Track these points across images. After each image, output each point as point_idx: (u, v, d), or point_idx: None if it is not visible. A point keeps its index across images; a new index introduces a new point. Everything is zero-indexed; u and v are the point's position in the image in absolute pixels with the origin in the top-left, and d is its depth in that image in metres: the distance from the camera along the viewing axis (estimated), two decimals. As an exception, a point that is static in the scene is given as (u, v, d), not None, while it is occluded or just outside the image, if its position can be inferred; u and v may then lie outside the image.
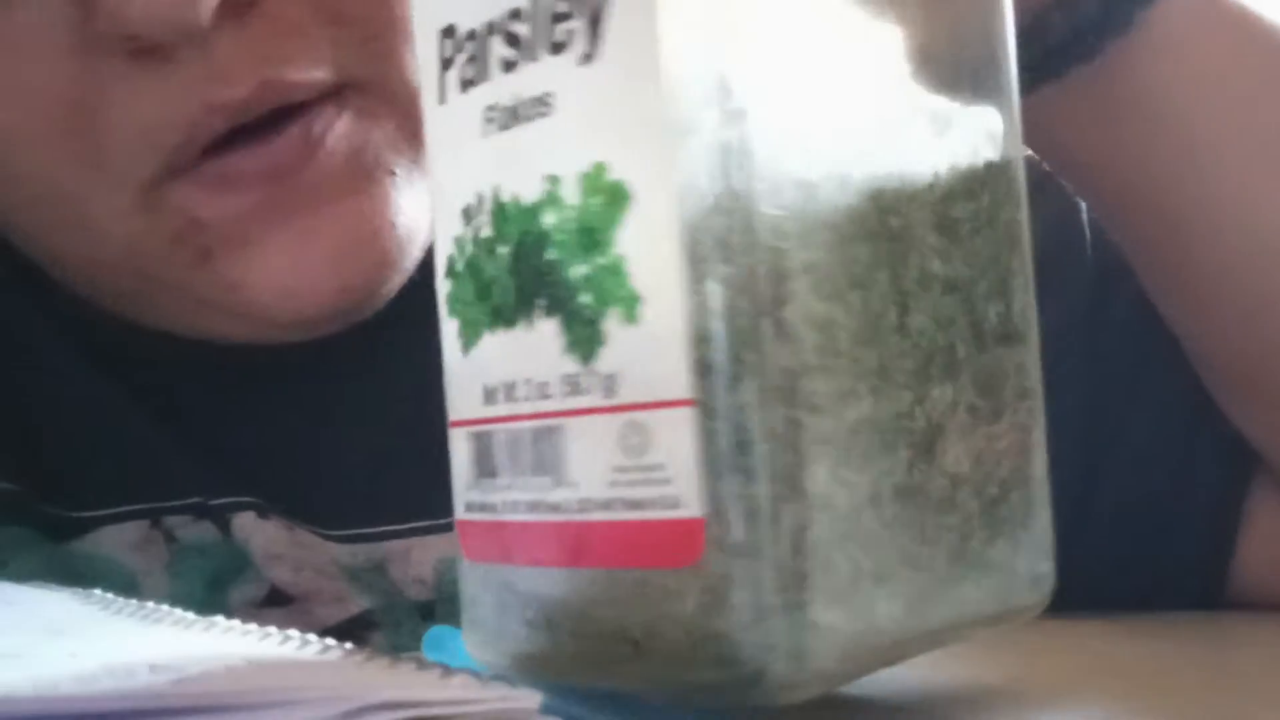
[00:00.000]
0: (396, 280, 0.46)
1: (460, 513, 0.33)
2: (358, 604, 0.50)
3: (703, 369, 0.27)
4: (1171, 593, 0.51)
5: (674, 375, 0.27)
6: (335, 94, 0.44)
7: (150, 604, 0.36)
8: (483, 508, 0.32)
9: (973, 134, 0.30)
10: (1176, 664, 0.40)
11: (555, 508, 0.29)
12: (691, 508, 0.27)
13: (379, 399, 0.52)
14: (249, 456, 0.51)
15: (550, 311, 0.29)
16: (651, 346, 0.27)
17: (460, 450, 0.33)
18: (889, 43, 0.30)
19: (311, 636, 0.32)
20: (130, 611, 0.36)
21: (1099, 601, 0.51)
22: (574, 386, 0.29)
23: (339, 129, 0.44)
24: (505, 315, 0.30)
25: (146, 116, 0.43)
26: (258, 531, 0.49)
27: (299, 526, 0.50)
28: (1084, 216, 0.55)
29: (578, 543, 0.29)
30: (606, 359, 0.28)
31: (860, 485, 0.28)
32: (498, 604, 0.31)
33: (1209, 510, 0.52)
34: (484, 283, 0.31)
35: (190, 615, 0.35)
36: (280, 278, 0.44)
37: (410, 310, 0.51)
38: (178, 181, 0.43)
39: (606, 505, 0.28)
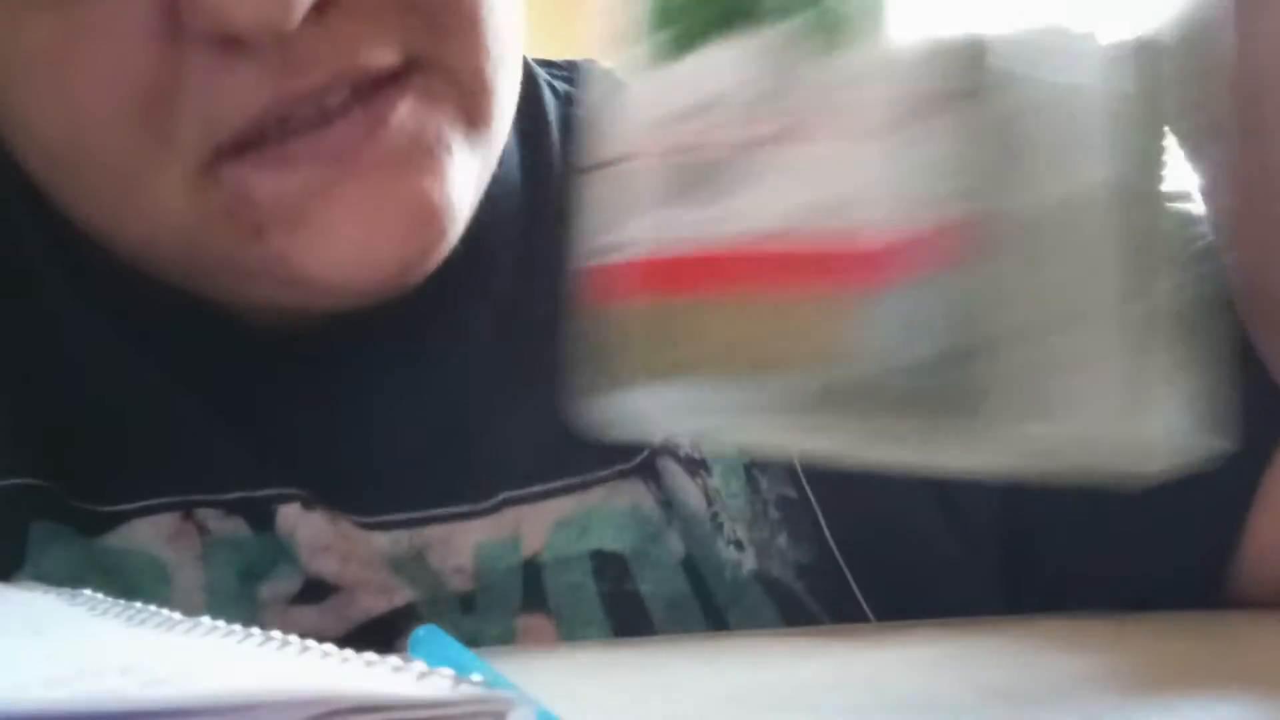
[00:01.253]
0: (442, 255, 0.47)
1: (601, 255, 0.29)
2: (402, 596, 0.50)
3: (953, 95, 0.25)
4: (1177, 584, 0.50)
5: (902, 100, 0.25)
6: (402, 73, 0.45)
7: (137, 605, 0.36)
8: (635, 243, 0.29)
9: None
10: (1177, 664, 0.40)
11: (733, 235, 0.27)
12: (880, 237, 0.25)
13: (420, 385, 0.53)
14: (290, 445, 0.52)
15: (786, 14, 0.26)
16: (890, 66, 0.25)
17: (629, 181, 0.29)
18: None
19: (292, 638, 0.32)
20: (116, 613, 0.36)
21: (1102, 598, 0.50)
22: (788, 104, 0.26)
23: (402, 110, 0.45)
24: (730, 20, 0.27)
25: (219, 101, 0.44)
26: (303, 523, 0.50)
27: (341, 517, 0.50)
28: None
29: (757, 270, 0.27)
30: (833, 76, 0.26)
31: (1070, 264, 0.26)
32: (658, 343, 0.29)
33: (1220, 491, 0.51)
34: None
35: (175, 616, 0.35)
36: (339, 255, 0.45)
37: (448, 296, 0.52)
38: (233, 160, 0.44)
39: (789, 232, 0.26)
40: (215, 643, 0.32)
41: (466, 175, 0.47)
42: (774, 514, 0.50)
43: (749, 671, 0.42)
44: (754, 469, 0.51)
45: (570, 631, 0.49)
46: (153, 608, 0.36)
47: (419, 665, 0.30)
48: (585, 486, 0.51)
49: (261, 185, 0.44)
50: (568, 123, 0.56)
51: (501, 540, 0.50)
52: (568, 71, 0.59)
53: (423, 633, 0.36)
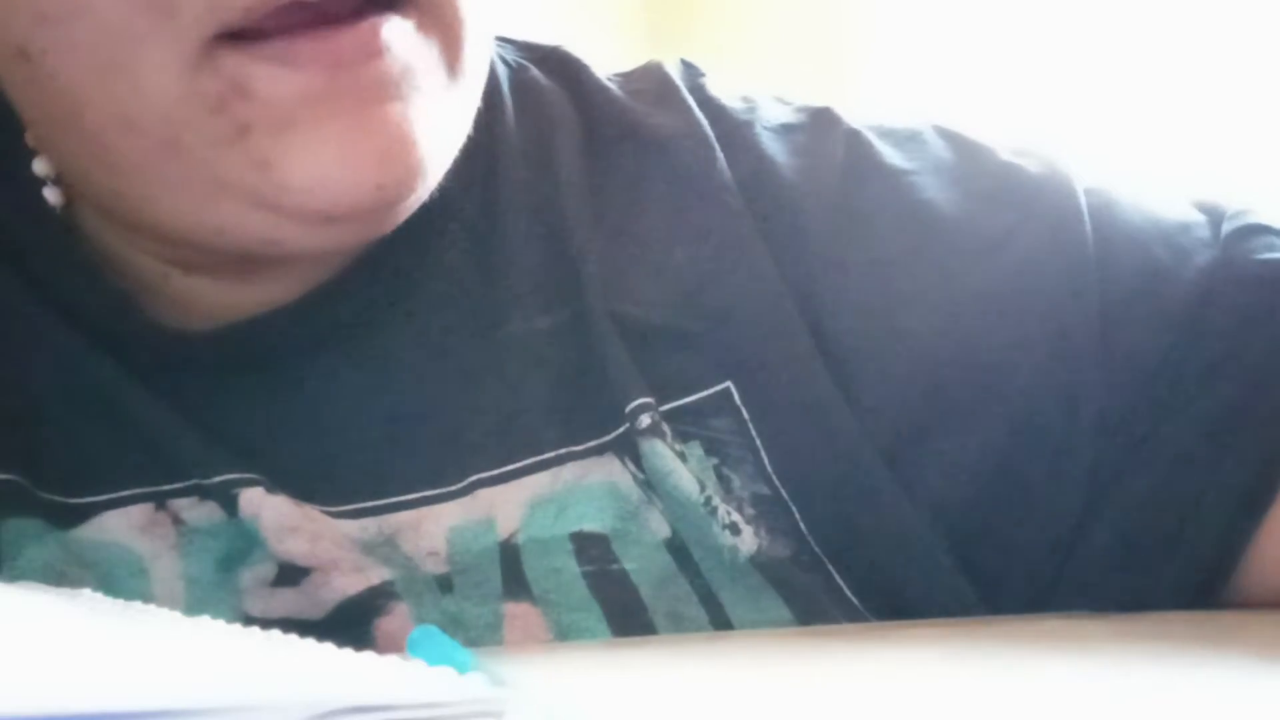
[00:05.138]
0: (413, 200, 0.46)
1: None
2: (378, 574, 0.49)
3: None
4: (1178, 584, 0.50)
5: None
6: (399, 3, 0.45)
7: (137, 604, 0.36)
8: None
9: None
10: (1177, 663, 0.40)
11: None
12: None
13: (373, 376, 0.52)
14: (250, 437, 0.51)
15: None
16: None
17: None
18: None
19: (292, 636, 0.32)
20: (116, 612, 0.36)
21: (1105, 597, 0.50)
22: None
23: (405, 39, 0.45)
24: None
25: None
26: (266, 506, 0.49)
27: (305, 504, 0.50)
28: (1086, 227, 0.53)
29: None
30: None
31: None
32: None
33: (1233, 496, 0.50)
34: None
35: (175, 615, 0.35)
36: (322, 166, 0.44)
37: (399, 279, 0.51)
38: (236, 50, 0.44)
39: None
40: (217, 643, 0.32)
41: (446, 120, 0.47)
42: (749, 511, 0.50)
43: (749, 671, 0.42)
44: (723, 468, 0.50)
45: (559, 616, 0.48)
46: (153, 607, 0.36)
47: (419, 665, 0.30)
48: (560, 462, 0.50)
49: (260, 79, 0.43)
50: (521, 90, 0.56)
51: (475, 522, 0.49)
52: (523, 50, 0.59)
53: (422, 633, 0.36)
